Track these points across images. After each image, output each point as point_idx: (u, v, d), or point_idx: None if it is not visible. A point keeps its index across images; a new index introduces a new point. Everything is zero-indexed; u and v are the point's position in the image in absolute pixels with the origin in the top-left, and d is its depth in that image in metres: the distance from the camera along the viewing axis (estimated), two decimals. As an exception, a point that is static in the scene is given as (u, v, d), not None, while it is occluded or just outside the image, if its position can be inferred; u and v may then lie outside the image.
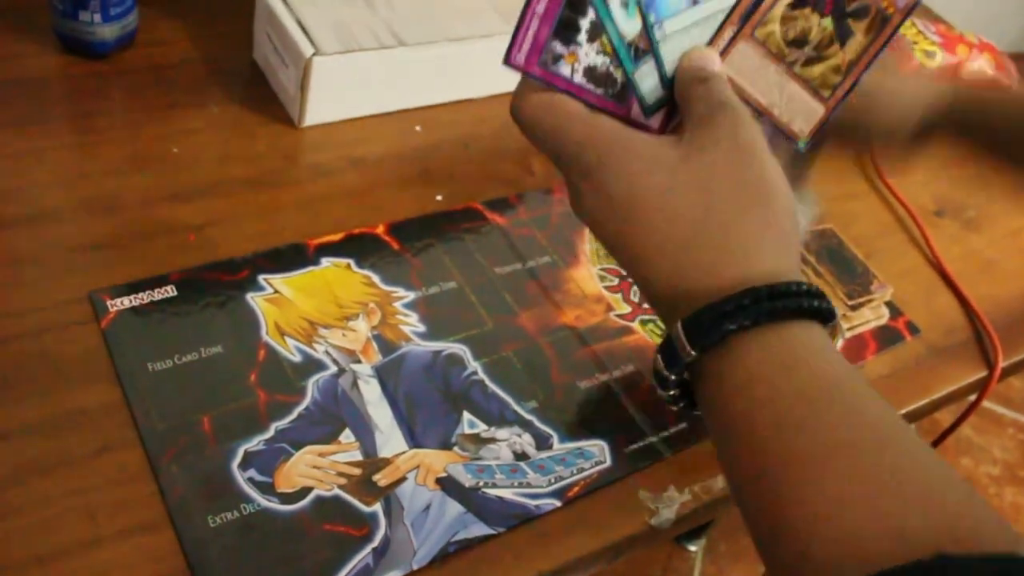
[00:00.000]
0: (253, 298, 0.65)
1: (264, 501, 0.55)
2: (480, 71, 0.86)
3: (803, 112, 0.47)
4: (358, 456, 0.59)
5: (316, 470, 0.58)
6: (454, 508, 0.58)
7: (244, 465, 0.56)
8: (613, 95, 0.45)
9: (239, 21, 0.85)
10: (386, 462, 0.59)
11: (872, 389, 0.37)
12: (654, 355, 0.41)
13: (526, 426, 0.63)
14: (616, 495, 0.62)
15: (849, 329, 0.78)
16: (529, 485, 0.60)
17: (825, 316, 0.39)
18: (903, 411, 0.75)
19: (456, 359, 0.66)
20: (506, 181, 0.81)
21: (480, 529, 0.57)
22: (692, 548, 1.67)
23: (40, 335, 0.60)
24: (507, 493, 0.59)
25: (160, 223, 0.69)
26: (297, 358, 0.63)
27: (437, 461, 0.60)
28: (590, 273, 0.75)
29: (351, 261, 0.70)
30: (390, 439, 0.60)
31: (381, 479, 0.58)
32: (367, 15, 0.83)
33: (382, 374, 0.63)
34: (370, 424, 0.60)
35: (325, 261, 0.69)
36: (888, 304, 0.82)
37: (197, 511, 0.54)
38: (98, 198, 0.70)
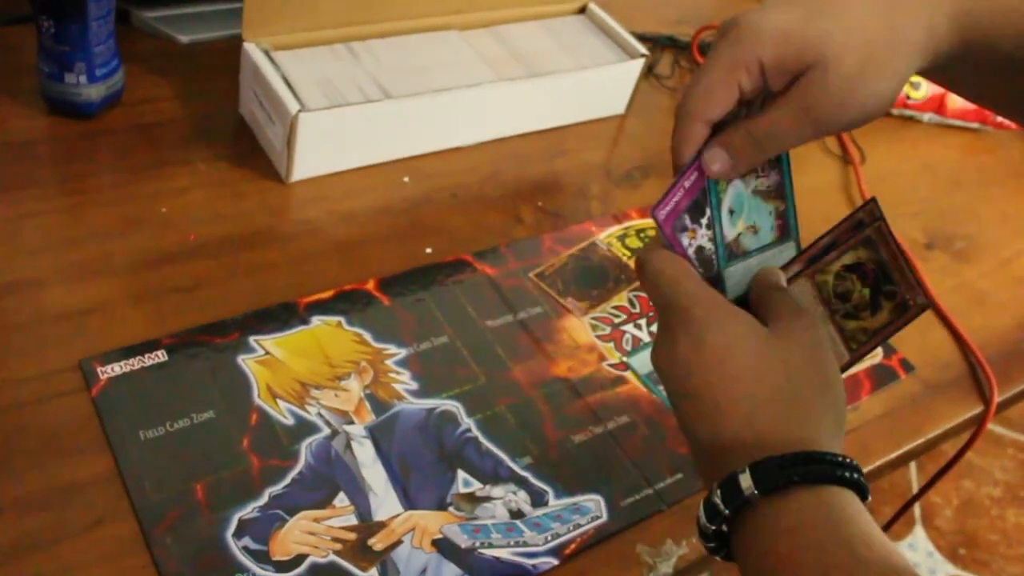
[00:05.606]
0: (244, 360, 0.65)
1: (259, 570, 0.55)
2: (467, 120, 0.87)
3: (834, 353, 0.53)
4: (353, 520, 0.58)
5: (311, 536, 0.57)
6: (451, 571, 0.57)
7: (238, 533, 0.56)
8: (708, 278, 0.51)
9: (225, 77, 0.86)
10: (381, 525, 0.58)
11: (894, 545, 0.43)
12: (705, 498, 0.47)
13: (521, 483, 0.63)
14: (614, 550, 0.61)
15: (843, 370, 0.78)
16: (526, 544, 0.60)
17: (864, 492, 0.46)
18: (900, 451, 0.74)
19: (449, 416, 0.66)
20: (495, 231, 0.81)
21: (477, 592, 0.57)
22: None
23: (31, 406, 0.60)
24: (504, 553, 0.59)
25: (149, 286, 0.69)
26: (290, 421, 0.62)
27: (432, 522, 0.59)
28: (582, 322, 0.75)
29: (342, 319, 0.70)
30: (385, 501, 0.60)
31: (376, 543, 0.58)
32: (353, 69, 0.83)
33: (376, 434, 0.63)
34: (364, 487, 0.60)
35: (316, 320, 0.69)
36: (881, 342, 0.82)
37: (191, 584, 0.53)
38: (87, 262, 0.69)
